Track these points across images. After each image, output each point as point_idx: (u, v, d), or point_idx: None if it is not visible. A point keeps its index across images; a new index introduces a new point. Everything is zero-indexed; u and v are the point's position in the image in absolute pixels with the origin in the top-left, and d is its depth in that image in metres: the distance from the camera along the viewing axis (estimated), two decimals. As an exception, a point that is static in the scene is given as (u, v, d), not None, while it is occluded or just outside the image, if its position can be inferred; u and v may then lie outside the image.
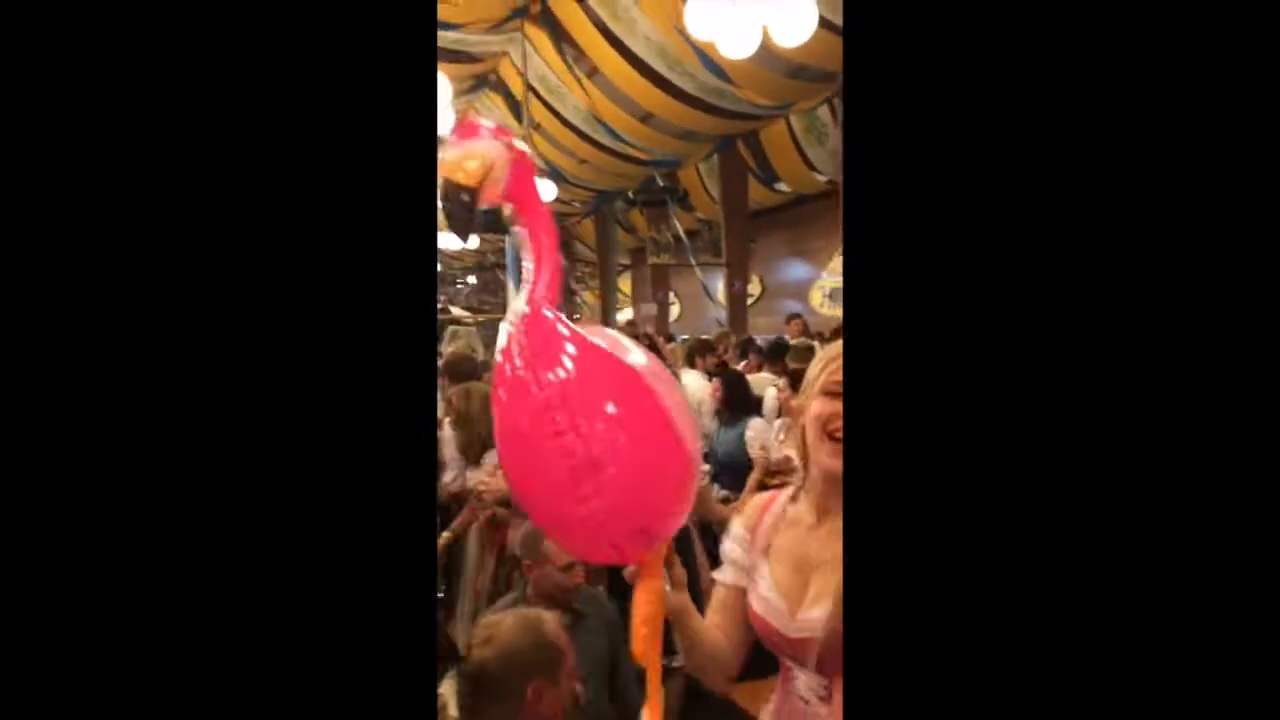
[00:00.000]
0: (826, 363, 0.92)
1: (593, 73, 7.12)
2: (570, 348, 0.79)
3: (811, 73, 6.10)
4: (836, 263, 8.23)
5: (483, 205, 0.81)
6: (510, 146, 0.82)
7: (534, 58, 7.06)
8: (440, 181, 0.78)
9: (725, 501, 3.12)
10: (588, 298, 13.46)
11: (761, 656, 1.02)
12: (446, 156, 0.79)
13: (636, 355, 0.84)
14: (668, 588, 0.91)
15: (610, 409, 0.77)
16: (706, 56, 6.00)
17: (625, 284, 13.12)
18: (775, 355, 4.22)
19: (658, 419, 0.79)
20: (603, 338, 0.85)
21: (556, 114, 7.92)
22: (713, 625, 1.01)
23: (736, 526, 1.04)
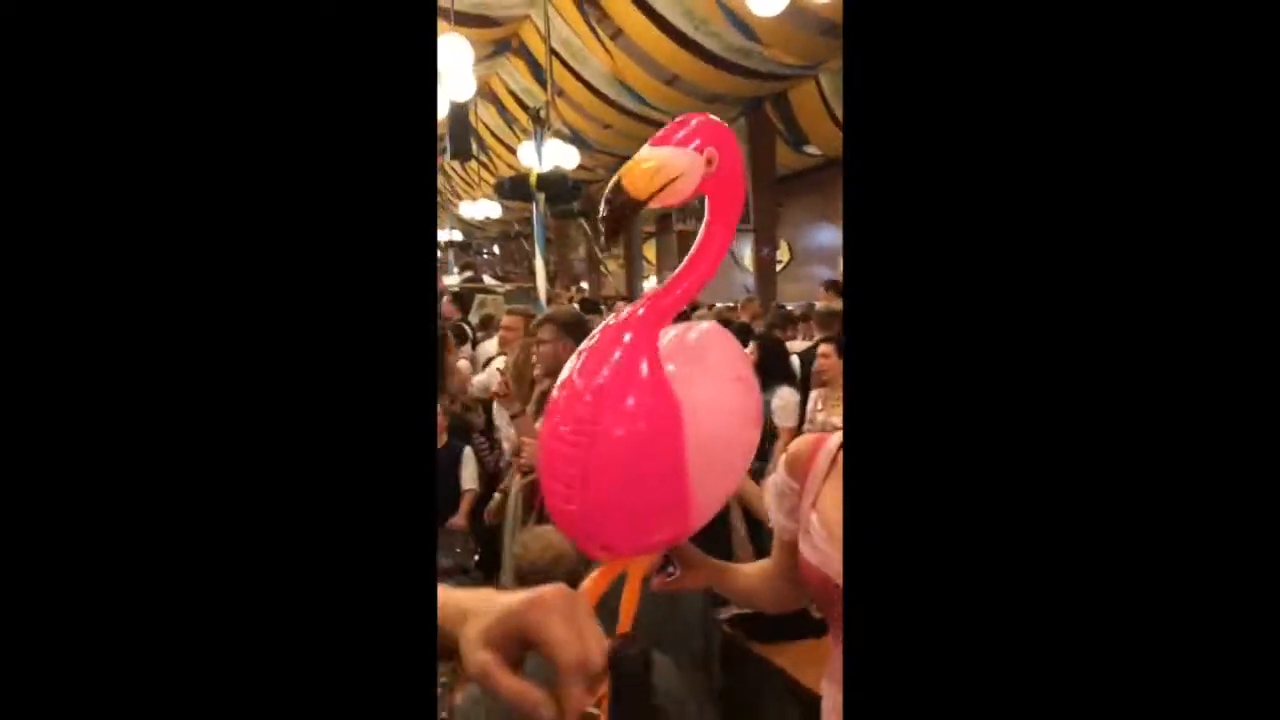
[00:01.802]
0: None
1: (616, 34, 6.99)
2: (644, 368, 0.75)
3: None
4: (866, 227, 8.06)
5: (655, 206, 0.78)
6: (710, 161, 0.78)
7: (556, 20, 6.93)
8: (614, 181, 0.76)
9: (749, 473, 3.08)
10: (611, 265, 13.40)
11: (796, 620, 1.02)
12: (638, 159, 0.75)
13: (705, 388, 0.80)
14: (667, 571, 0.93)
15: (620, 432, 0.75)
16: (734, 15, 5.85)
17: (650, 251, 13.03)
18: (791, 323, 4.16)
19: (671, 465, 0.77)
20: (692, 354, 0.81)
21: (580, 78, 7.80)
22: (772, 566, 1.03)
23: (780, 473, 1.01)
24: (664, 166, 0.75)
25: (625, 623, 0.84)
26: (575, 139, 7.90)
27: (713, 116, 0.82)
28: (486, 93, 9.36)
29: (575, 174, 7.03)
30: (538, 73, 7.78)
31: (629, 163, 0.76)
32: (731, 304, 6.63)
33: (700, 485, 0.79)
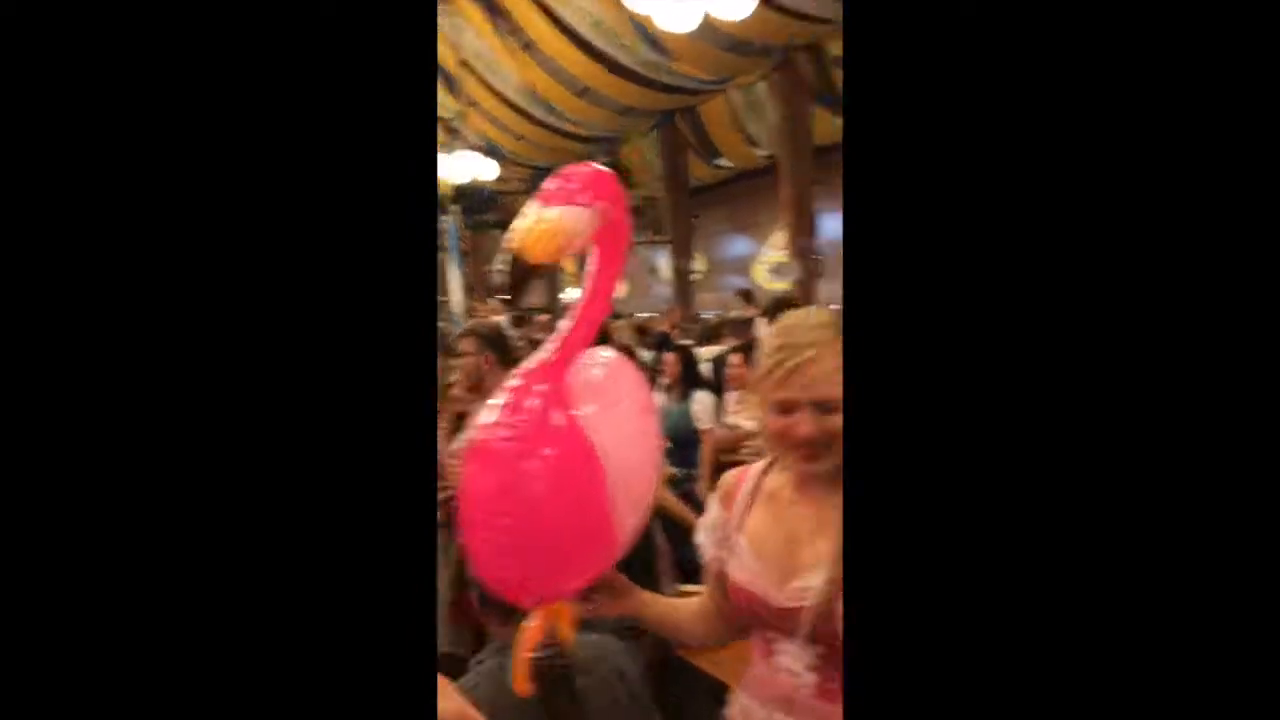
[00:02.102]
0: (771, 369, 0.89)
1: (528, 46, 6.96)
2: (558, 418, 0.77)
3: (750, 47, 6.10)
4: (778, 237, 8.32)
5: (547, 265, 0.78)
6: (602, 213, 0.77)
7: (467, 32, 6.86)
8: (511, 245, 0.75)
9: (674, 481, 3.13)
10: (530, 278, 13.27)
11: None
12: (527, 225, 0.74)
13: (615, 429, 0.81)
14: (589, 601, 0.93)
15: (544, 487, 0.76)
16: (644, 29, 5.93)
17: (569, 263, 12.98)
18: (714, 336, 4.27)
19: (595, 507, 0.78)
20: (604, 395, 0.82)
21: (492, 89, 7.72)
22: (705, 600, 1.05)
23: (712, 509, 1.04)
24: (560, 230, 0.75)
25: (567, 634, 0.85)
26: (490, 151, 7.81)
27: (599, 166, 0.84)
28: (395, 103, 9.12)
29: (490, 185, 6.95)
30: (450, 84, 7.66)
31: (525, 225, 0.75)
32: (653, 315, 6.70)
33: (622, 518, 0.80)
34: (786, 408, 0.88)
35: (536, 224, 0.75)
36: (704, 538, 1.03)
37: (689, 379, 3.20)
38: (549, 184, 0.80)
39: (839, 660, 0.88)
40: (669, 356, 3.21)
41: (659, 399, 3.17)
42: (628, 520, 0.82)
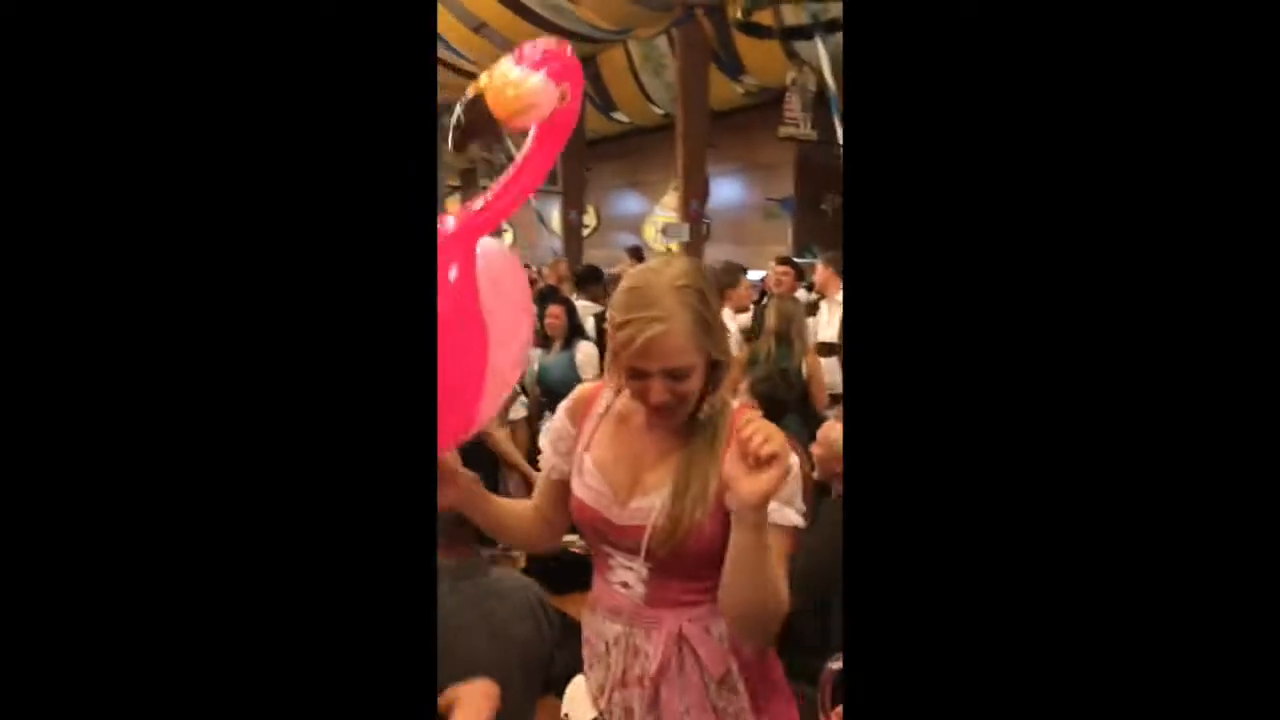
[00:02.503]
0: (622, 343, 0.87)
1: (421, -28, 6.56)
2: (452, 274, 0.77)
3: (654, 1, 6.02)
4: (670, 198, 8.38)
5: (503, 128, 0.77)
6: (563, 96, 0.76)
7: (353, -54, 6.36)
8: (471, 92, 0.73)
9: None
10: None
11: (586, 570, 1.06)
12: (497, 74, 0.73)
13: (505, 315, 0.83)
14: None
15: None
16: (546, -32, 5.72)
17: (454, 207, 12.55)
18: (590, 281, 4.30)
19: (474, 362, 0.81)
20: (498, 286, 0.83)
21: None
22: (533, 506, 1.07)
23: (559, 419, 1.05)
24: (529, 91, 0.74)
25: None
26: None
27: (569, 49, 0.83)
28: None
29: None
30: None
31: (493, 77, 0.74)
32: (541, 266, 6.62)
33: (489, 395, 0.82)
34: (639, 374, 0.88)
35: (511, 80, 0.74)
36: (545, 444, 1.04)
37: (573, 330, 3.21)
38: (526, 47, 0.78)
39: (668, 572, 0.93)
40: (555, 309, 3.20)
41: (538, 352, 3.17)
42: (490, 402, 0.84)
